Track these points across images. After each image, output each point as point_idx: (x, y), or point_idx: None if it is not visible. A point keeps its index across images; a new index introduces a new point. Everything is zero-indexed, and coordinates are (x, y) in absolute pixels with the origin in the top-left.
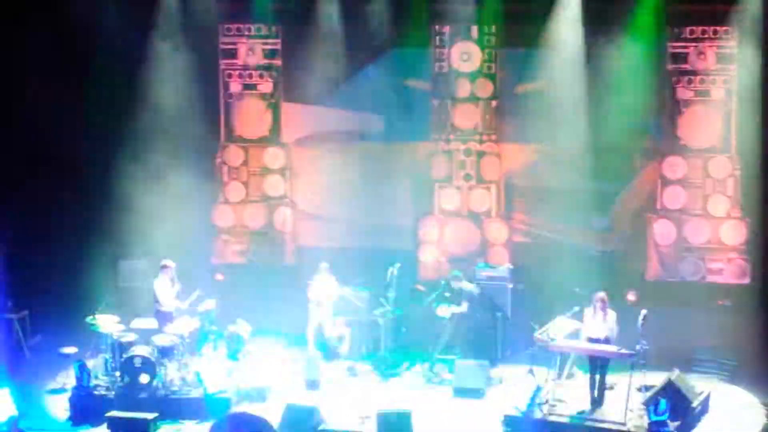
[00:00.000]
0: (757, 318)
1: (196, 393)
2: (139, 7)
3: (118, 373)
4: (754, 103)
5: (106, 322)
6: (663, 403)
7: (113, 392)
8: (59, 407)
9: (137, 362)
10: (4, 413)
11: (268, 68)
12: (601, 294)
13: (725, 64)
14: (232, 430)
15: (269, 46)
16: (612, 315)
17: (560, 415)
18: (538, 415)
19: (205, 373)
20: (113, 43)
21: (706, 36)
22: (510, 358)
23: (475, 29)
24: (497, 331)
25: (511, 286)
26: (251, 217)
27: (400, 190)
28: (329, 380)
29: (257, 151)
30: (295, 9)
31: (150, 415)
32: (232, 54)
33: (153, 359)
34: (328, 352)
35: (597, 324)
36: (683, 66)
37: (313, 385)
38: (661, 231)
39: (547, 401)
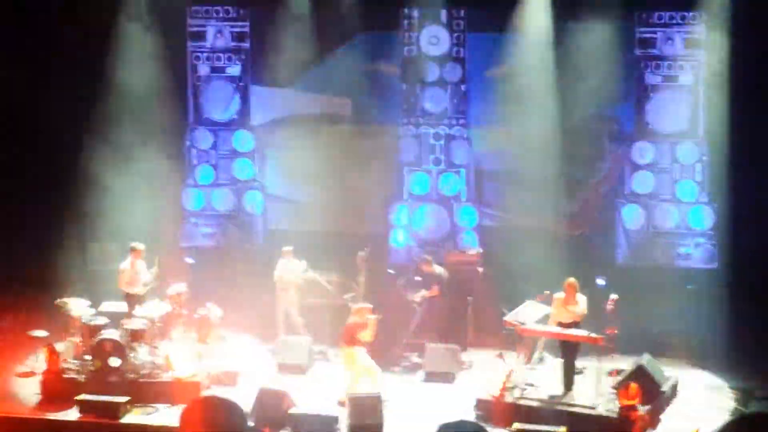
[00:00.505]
0: (725, 302)
1: (166, 377)
2: None
3: (88, 357)
4: (722, 88)
5: (75, 306)
6: (633, 387)
7: (83, 376)
8: (29, 391)
9: (107, 346)
10: None
11: (236, 51)
12: (571, 279)
13: (693, 49)
14: (204, 414)
15: (238, 29)
16: (582, 300)
17: (531, 399)
18: (509, 399)
19: (175, 356)
20: (81, 22)
21: (674, 21)
22: (479, 342)
23: (444, 13)
24: (467, 315)
25: (481, 270)
26: (220, 200)
27: (369, 174)
28: (301, 364)
29: (226, 134)
30: None
31: (120, 398)
32: (201, 36)
33: (123, 343)
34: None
35: (567, 309)
36: (651, 51)
37: (284, 368)
38: (630, 216)
39: (517, 385)
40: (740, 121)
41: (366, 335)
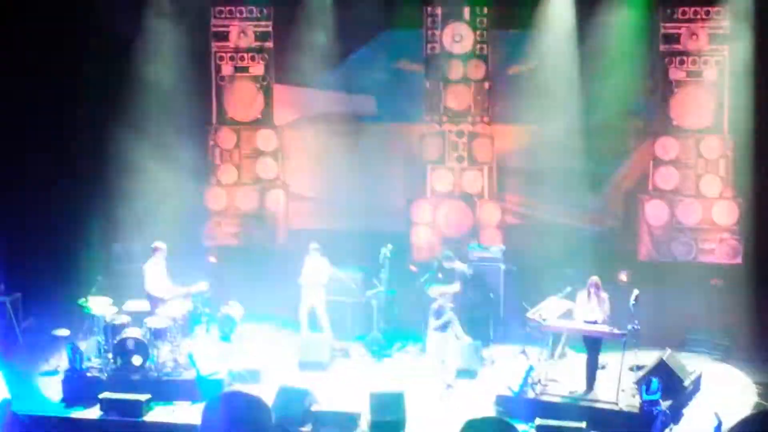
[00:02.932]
0: (749, 298)
1: (188, 375)
2: None
3: (110, 355)
4: (746, 83)
5: (98, 305)
6: (655, 383)
7: (106, 374)
8: (52, 389)
9: (130, 344)
10: None
11: (259, 51)
12: (595, 278)
13: (717, 44)
14: (227, 409)
15: (261, 29)
16: (605, 297)
17: (552, 395)
18: (530, 395)
19: (198, 354)
20: (106, 20)
21: (698, 16)
22: (502, 338)
23: (467, 10)
24: (490, 311)
25: (503, 267)
26: (244, 199)
27: (392, 172)
28: (322, 362)
29: (249, 133)
30: None
31: (143, 397)
32: (224, 36)
33: (145, 341)
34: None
35: (591, 308)
36: (675, 46)
37: (306, 366)
38: (654, 211)
39: (539, 381)
40: (765, 116)
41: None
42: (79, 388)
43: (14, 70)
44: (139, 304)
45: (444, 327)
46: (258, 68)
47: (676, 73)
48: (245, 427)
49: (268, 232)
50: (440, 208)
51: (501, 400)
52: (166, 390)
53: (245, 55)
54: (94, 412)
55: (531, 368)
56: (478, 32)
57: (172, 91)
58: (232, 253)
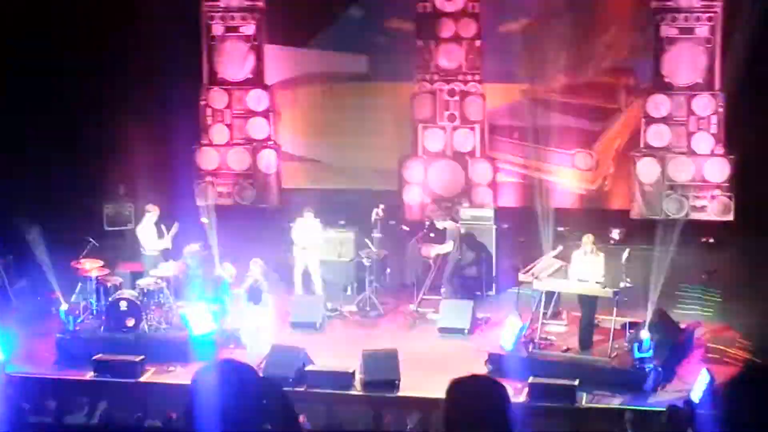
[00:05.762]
0: (741, 254)
1: (181, 336)
2: None
3: (103, 317)
4: (739, 39)
5: (91, 266)
6: (647, 340)
7: (99, 336)
8: (45, 351)
9: (123, 306)
10: None
11: (250, 10)
12: (590, 236)
13: (709, 0)
14: (218, 377)
15: None
16: (600, 256)
17: (545, 353)
18: (523, 353)
19: (191, 315)
20: None
21: None
22: (495, 297)
23: None
24: (482, 270)
25: (495, 226)
26: (235, 159)
27: (384, 131)
28: (315, 322)
29: (240, 93)
30: None
31: (136, 358)
32: None
33: (138, 303)
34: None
35: (586, 267)
36: (667, 3)
37: (298, 326)
38: (645, 169)
39: (531, 340)
40: (757, 73)
41: None
42: (72, 350)
43: (8, 24)
44: (132, 266)
45: (255, 296)
46: (249, 28)
47: (668, 30)
48: (236, 397)
49: (260, 192)
50: (432, 168)
51: (493, 359)
52: (159, 351)
53: (236, 14)
54: (87, 374)
55: (524, 327)
56: None
57: (164, 50)
58: (225, 214)
